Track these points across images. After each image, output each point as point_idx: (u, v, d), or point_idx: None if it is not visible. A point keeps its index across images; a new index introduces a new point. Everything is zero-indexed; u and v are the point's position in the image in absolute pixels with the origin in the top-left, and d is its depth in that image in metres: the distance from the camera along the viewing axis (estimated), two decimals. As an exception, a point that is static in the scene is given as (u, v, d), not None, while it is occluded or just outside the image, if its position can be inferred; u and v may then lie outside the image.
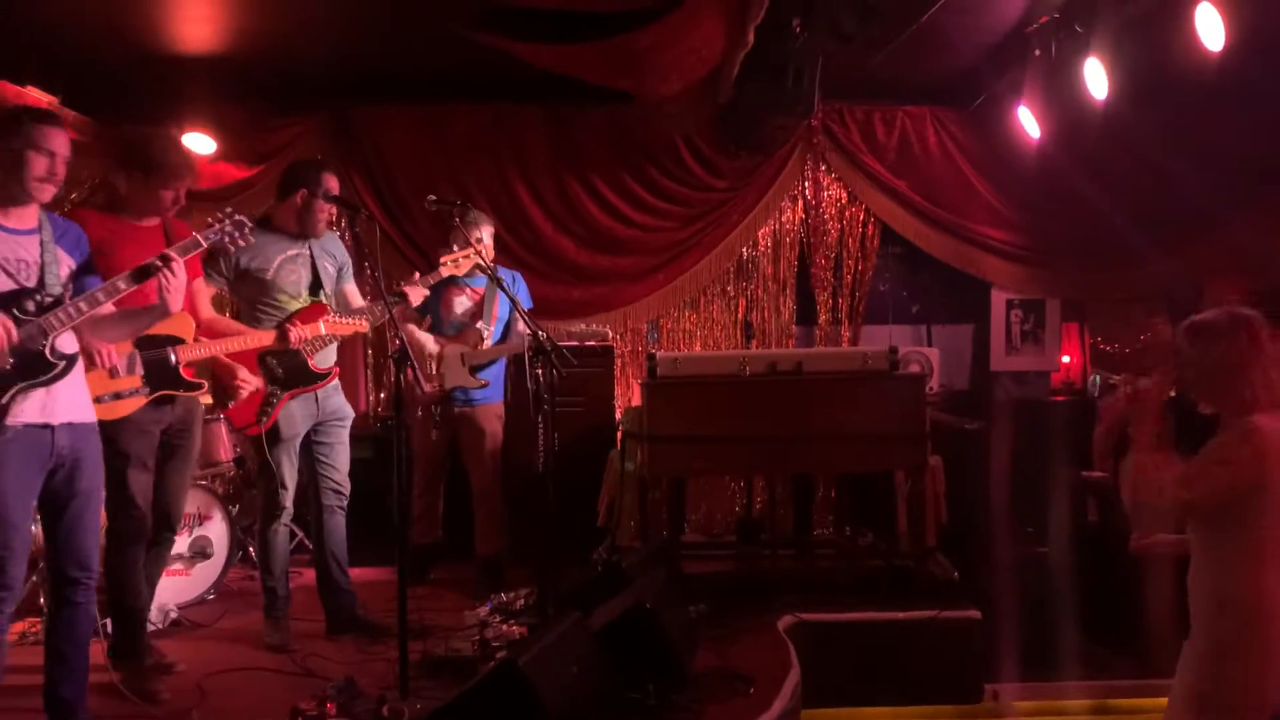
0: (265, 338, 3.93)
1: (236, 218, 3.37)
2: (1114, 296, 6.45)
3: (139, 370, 3.53)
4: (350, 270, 4.39)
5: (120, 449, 3.51)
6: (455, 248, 4.52)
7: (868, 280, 6.41)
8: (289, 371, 4.06)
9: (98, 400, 3.37)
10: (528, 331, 3.96)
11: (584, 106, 6.09)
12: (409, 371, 3.42)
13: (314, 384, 4.12)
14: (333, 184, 4.14)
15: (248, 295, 4.15)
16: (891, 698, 4.64)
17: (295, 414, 4.11)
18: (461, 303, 5.04)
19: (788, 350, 6.00)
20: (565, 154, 6.17)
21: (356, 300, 4.33)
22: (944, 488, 5.01)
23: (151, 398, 3.59)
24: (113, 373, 3.44)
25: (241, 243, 3.41)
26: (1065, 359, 6.67)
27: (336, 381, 4.29)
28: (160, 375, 3.59)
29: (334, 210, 4.24)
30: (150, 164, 3.55)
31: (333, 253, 4.30)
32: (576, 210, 6.19)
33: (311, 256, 4.19)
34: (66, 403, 3.02)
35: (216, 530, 4.87)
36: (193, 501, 4.73)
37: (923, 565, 4.93)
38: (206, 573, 4.83)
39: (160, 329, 3.53)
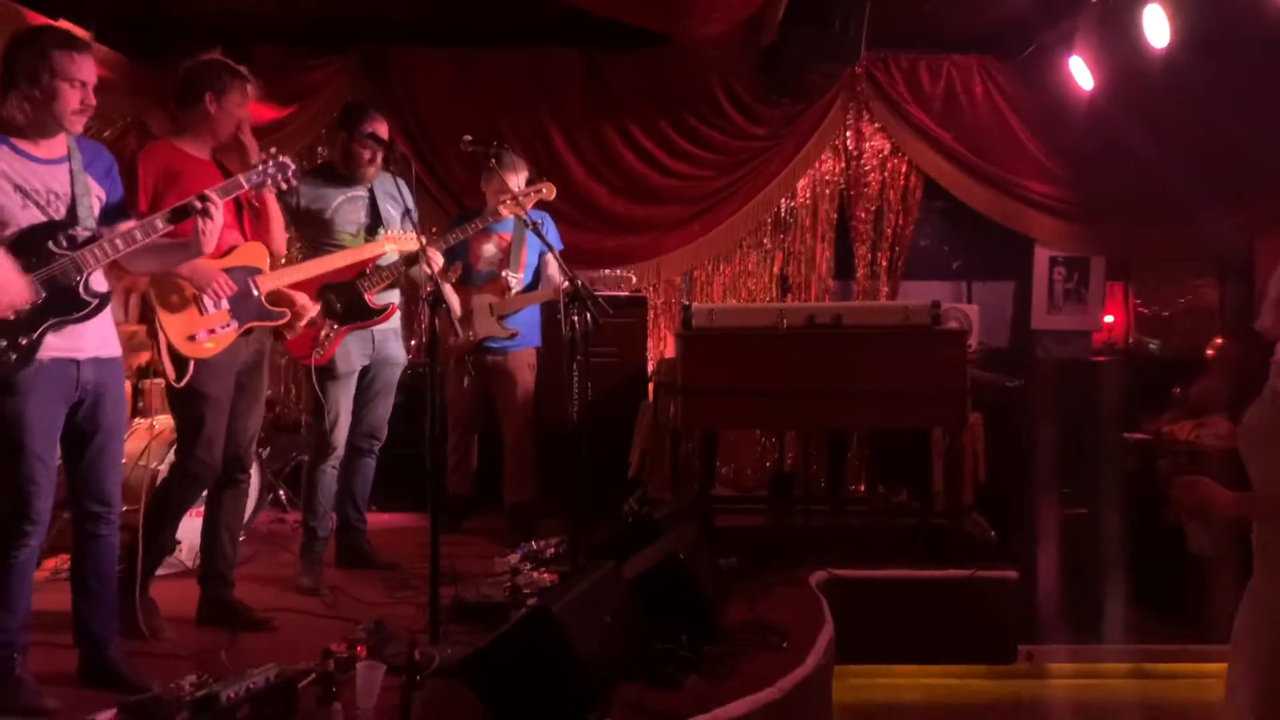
0: (357, 253, 3.98)
1: (281, 159, 3.31)
2: (1162, 256, 6.28)
3: (225, 305, 3.47)
4: (413, 219, 4.35)
5: (198, 390, 3.44)
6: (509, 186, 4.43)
7: (909, 235, 6.27)
8: (347, 306, 4.07)
9: (190, 339, 3.38)
10: (562, 277, 3.88)
11: (620, 51, 5.96)
12: (443, 316, 3.35)
13: (371, 319, 4.12)
14: (376, 127, 4.11)
15: (310, 236, 4.22)
16: (924, 656, 4.59)
17: (352, 351, 4.11)
18: (489, 249, 4.95)
19: (826, 303, 5.89)
20: (601, 100, 6.05)
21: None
22: (983, 446, 4.91)
23: (242, 330, 3.52)
24: (201, 309, 3.41)
25: (284, 185, 3.34)
26: (1109, 319, 6.51)
27: (397, 326, 4.29)
28: (244, 308, 3.53)
29: (378, 153, 4.18)
30: (217, 84, 3.48)
31: (396, 195, 4.23)
32: (611, 157, 6.09)
33: (372, 199, 4.20)
34: (93, 337, 2.97)
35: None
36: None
37: (959, 524, 4.86)
38: (237, 515, 4.82)
39: (236, 259, 3.50)
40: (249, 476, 3.89)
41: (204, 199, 3.03)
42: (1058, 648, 4.76)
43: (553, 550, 4.35)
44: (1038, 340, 6.45)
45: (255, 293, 3.56)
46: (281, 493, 5.49)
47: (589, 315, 3.65)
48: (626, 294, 5.67)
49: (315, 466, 4.21)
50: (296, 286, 3.87)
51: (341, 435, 4.19)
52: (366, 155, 4.15)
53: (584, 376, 3.95)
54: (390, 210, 4.24)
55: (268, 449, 5.24)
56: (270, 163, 3.29)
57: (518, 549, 4.35)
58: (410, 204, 4.03)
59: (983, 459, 4.89)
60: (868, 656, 4.47)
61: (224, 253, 3.48)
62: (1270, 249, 6.27)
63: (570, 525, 4.23)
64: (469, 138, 4.08)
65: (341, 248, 4.09)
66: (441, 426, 4.80)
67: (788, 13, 4.68)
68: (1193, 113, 5.72)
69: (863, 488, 6.00)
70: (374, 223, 4.20)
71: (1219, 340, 5.87)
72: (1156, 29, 4.54)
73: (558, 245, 4.73)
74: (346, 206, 4.16)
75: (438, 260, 4.09)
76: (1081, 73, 5.40)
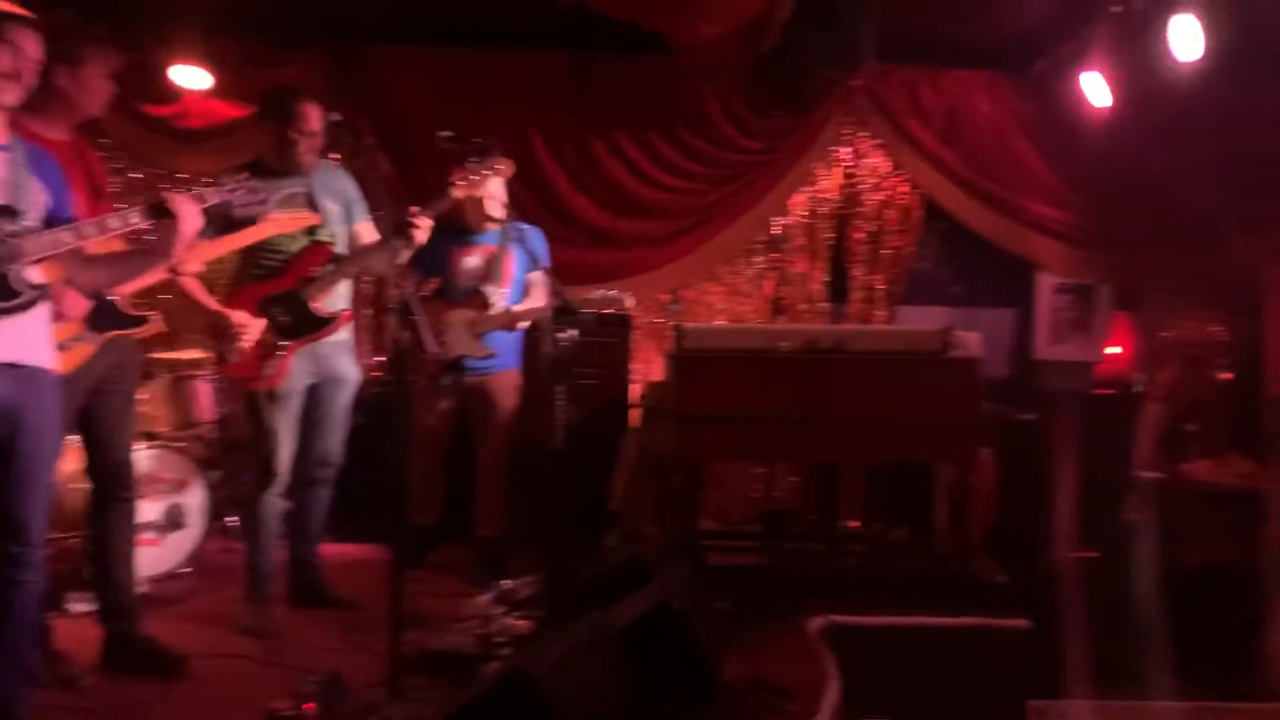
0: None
1: (252, 183, 2.91)
2: (1175, 286, 5.99)
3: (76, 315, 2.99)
4: (362, 209, 3.98)
5: None
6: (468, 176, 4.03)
7: (908, 257, 5.95)
8: (294, 319, 3.68)
9: None
10: (549, 292, 3.53)
11: (609, 56, 5.62)
12: (413, 328, 2.97)
13: (322, 330, 3.73)
14: (310, 115, 3.73)
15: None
16: (925, 713, 4.26)
17: (295, 369, 3.70)
18: (472, 263, 4.57)
19: (829, 326, 5.54)
20: (587, 106, 5.70)
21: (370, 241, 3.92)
22: (995, 484, 4.58)
23: (102, 342, 3.08)
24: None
25: (249, 211, 2.97)
26: (1116, 349, 6.22)
27: (347, 339, 3.90)
28: (101, 316, 3.06)
29: (317, 142, 3.79)
30: (69, 53, 3.02)
31: (336, 189, 3.88)
32: (597, 167, 5.74)
33: (311, 194, 3.78)
34: (11, 341, 2.55)
35: (192, 498, 4.43)
36: (167, 466, 4.32)
37: (967, 567, 4.52)
38: (180, 544, 4.38)
39: None
40: (133, 494, 3.42)
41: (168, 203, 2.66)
42: (1077, 704, 4.43)
43: (527, 590, 3.98)
44: (1039, 370, 6.14)
45: (111, 297, 3.12)
46: (231, 520, 5.04)
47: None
48: (611, 311, 5.29)
49: (257, 496, 3.81)
50: (230, 303, 3.55)
51: (284, 461, 3.79)
52: (302, 145, 3.75)
53: (571, 400, 3.60)
54: (329, 205, 3.84)
55: (218, 472, 4.80)
56: (243, 188, 2.88)
57: (489, 589, 3.95)
58: (357, 194, 3.70)
59: (994, 498, 4.56)
60: (865, 710, 4.13)
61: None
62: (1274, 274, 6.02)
63: (549, 563, 3.86)
64: (449, 134, 3.71)
65: (280, 251, 3.71)
66: (407, 451, 4.40)
67: (794, 12, 4.35)
68: (1214, 133, 5.44)
69: (857, 524, 5.64)
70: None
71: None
72: (1187, 41, 4.25)
73: (546, 261, 4.37)
74: (283, 204, 3.70)
75: (425, 233, 3.72)
76: (1096, 89, 5.12)
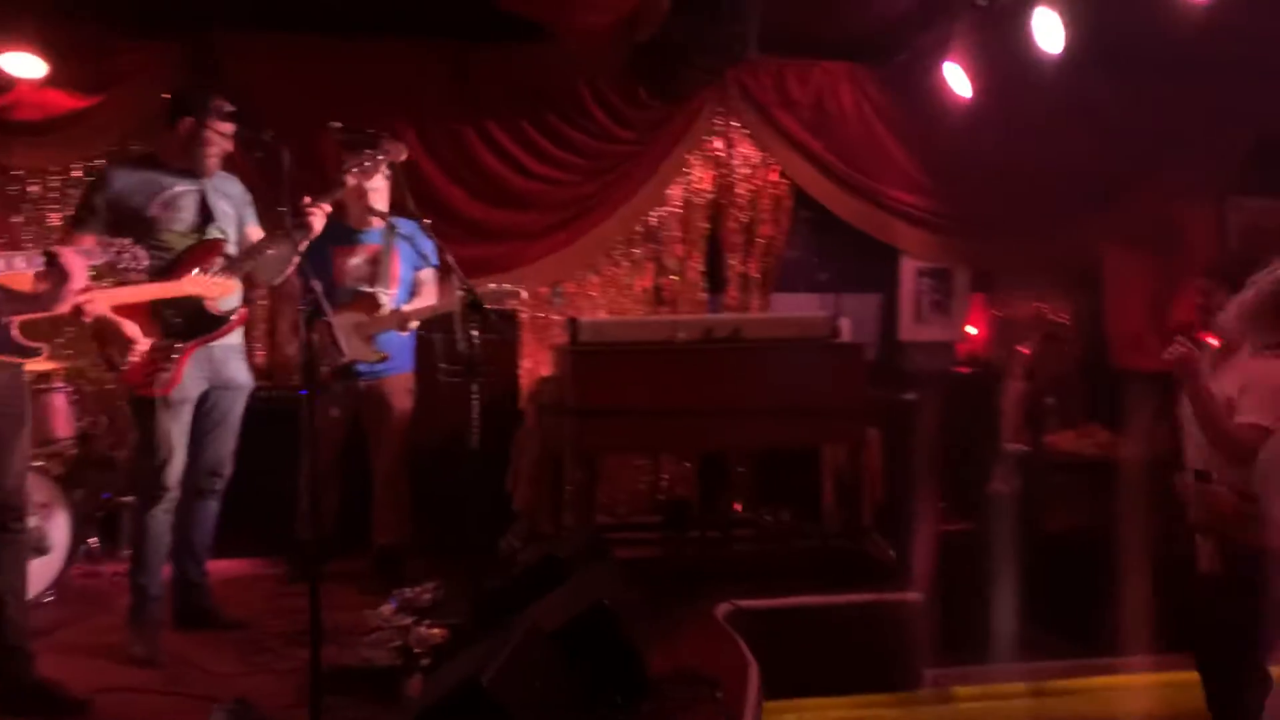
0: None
1: (135, 249, 2.92)
2: (1026, 268, 6.33)
3: None
4: (253, 213, 3.79)
5: None
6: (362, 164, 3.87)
7: (780, 245, 6.07)
8: (188, 319, 3.47)
9: None
10: (455, 289, 3.43)
11: (484, 46, 5.49)
12: (326, 330, 2.83)
13: (219, 330, 3.54)
14: (226, 110, 3.54)
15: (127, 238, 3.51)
16: (828, 687, 4.36)
17: (188, 374, 3.48)
18: (356, 263, 4.38)
19: (722, 315, 5.58)
20: (460, 97, 5.55)
21: None
22: (880, 463, 4.73)
23: None
24: None
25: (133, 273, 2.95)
26: (973, 330, 6.53)
27: (239, 343, 3.70)
28: None
29: (228, 144, 3.58)
30: None
31: (230, 193, 3.70)
32: (471, 159, 5.60)
33: (203, 195, 3.59)
34: None
35: (54, 520, 4.10)
36: (26, 487, 3.98)
37: (859, 545, 4.66)
38: (42, 571, 4.04)
39: None
40: (24, 524, 3.18)
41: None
42: (961, 670, 4.63)
43: (429, 596, 3.85)
44: (904, 352, 6.39)
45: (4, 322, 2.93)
46: (93, 542, 4.70)
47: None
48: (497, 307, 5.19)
49: (145, 511, 3.57)
50: (119, 310, 3.31)
51: (175, 474, 3.56)
52: (215, 147, 3.55)
53: (464, 399, 3.50)
54: (223, 207, 3.66)
55: (80, 490, 4.46)
56: (127, 252, 2.88)
57: (389, 598, 3.81)
58: (247, 198, 3.58)
59: (880, 477, 4.71)
60: (775, 691, 4.20)
61: None
62: (1117, 262, 6.45)
63: (459, 568, 3.77)
64: (338, 124, 3.55)
65: (169, 249, 3.49)
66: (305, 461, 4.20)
67: (675, 2, 4.36)
68: (1060, 125, 5.78)
69: (739, 507, 5.72)
70: (204, 221, 3.60)
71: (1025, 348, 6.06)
72: (1047, 34, 4.48)
73: (434, 259, 4.24)
74: (173, 201, 3.53)
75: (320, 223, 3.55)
76: (958, 80, 5.33)
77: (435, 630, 3.42)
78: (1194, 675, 3.80)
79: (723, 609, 4.14)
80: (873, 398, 4.64)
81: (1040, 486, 5.25)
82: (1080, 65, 4.86)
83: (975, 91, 5.35)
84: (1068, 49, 4.55)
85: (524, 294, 4.53)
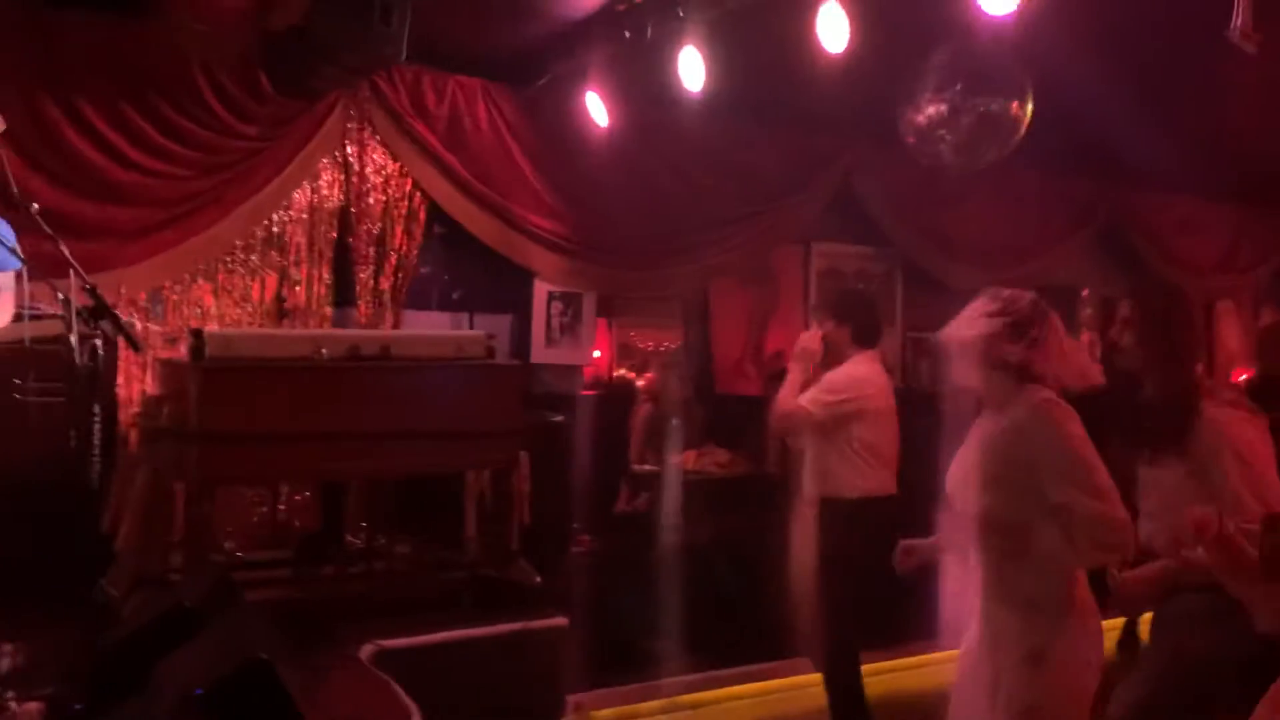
0: None
1: None
2: (645, 295, 6.59)
3: None
4: None
5: None
6: None
7: (412, 260, 5.79)
8: None
9: None
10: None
11: (75, 13, 4.72)
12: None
13: None
14: None
15: None
16: (473, 723, 4.18)
17: None
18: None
19: (370, 331, 5.16)
20: (42, 69, 4.70)
21: None
22: (529, 486, 4.64)
23: None
24: None
25: None
26: (597, 353, 6.68)
27: None
28: None
29: None
30: None
31: None
32: (54, 141, 4.76)
33: None
34: None
35: None
36: None
37: (504, 572, 4.53)
38: None
39: None
40: None
41: None
42: (603, 692, 4.66)
43: (8, 662, 3.17)
44: (535, 374, 6.38)
45: None
46: None
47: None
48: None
49: None
50: None
51: None
52: None
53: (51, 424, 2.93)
54: None
55: None
56: None
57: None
58: None
59: (529, 500, 4.63)
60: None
61: None
62: (721, 295, 6.94)
63: (53, 624, 3.13)
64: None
65: None
66: None
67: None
68: (689, 162, 6.08)
69: (357, 540, 5.32)
70: None
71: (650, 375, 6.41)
72: (692, 73, 4.67)
73: (16, 262, 3.52)
74: None
75: None
76: (597, 109, 5.43)
77: (30, 705, 2.80)
78: (805, 679, 4.13)
79: (367, 650, 3.84)
80: (526, 420, 4.54)
81: (669, 504, 5.46)
82: (716, 107, 5.13)
83: (612, 122, 5.47)
84: (707, 90, 4.77)
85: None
